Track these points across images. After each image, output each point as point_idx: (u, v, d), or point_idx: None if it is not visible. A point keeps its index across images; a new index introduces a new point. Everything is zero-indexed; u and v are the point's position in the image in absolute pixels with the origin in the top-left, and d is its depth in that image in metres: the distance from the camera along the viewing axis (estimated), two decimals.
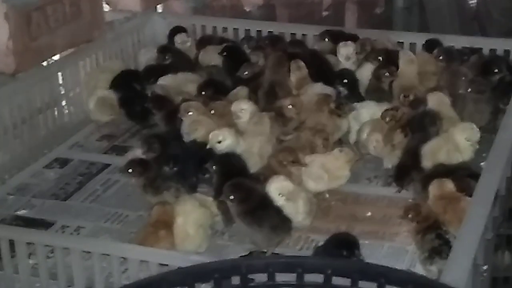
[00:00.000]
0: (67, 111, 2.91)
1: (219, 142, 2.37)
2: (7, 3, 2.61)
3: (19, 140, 2.67)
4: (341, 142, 2.58)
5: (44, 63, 2.89)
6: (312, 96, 2.63)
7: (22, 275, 2.03)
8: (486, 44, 3.03)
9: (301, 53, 2.89)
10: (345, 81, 2.76)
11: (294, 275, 1.42)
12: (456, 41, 3.04)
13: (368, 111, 2.61)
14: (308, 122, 2.53)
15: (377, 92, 2.74)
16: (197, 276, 1.41)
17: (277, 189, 2.16)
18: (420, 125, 2.45)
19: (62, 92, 2.89)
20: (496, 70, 2.73)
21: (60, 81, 2.87)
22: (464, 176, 2.22)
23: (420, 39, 3.07)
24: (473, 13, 4.87)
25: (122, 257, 1.94)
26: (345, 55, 2.88)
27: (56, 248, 1.97)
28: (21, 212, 2.41)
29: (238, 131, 2.46)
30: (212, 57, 3.02)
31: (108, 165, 2.66)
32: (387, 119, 2.51)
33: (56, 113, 2.84)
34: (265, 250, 2.13)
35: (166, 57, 3.01)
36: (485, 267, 2.16)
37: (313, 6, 4.28)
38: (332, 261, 1.52)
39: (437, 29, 4.52)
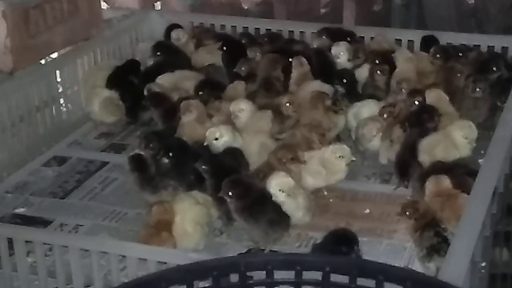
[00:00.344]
0: (65, 109, 2.91)
1: (216, 139, 2.38)
2: (4, 1, 2.61)
3: (17, 138, 2.67)
4: (340, 139, 2.58)
5: (42, 61, 2.89)
6: (307, 93, 2.63)
7: (21, 273, 2.03)
8: (484, 41, 3.03)
9: (305, 51, 2.90)
10: (344, 81, 2.78)
11: (293, 272, 1.42)
12: (454, 38, 3.04)
13: (369, 110, 2.61)
14: (303, 119, 2.53)
15: (371, 88, 2.76)
16: (196, 274, 1.41)
17: (277, 185, 2.16)
18: (418, 120, 2.46)
19: (60, 90, 2.88)
20: (495, 68, 2.73)
21: (58, 79, 2.87)
22: (462, 173, 2.23)
23: (417, 36, 3.07)
24: (471, 9, 4.85)
25: (121, 255, 1.94)
26: (335, 54, 2.89)
27: (55, 246, 1.97)
28: (19, 210, 2.41)
29: (235, 128, 2.47)
30: (205, 56, 3.02)
31: (107, 163, 2.66)
32: (385, 115, 2.52)
33: (54, 111, 2.84)
34: (264, 248, 2.14)
35: (158, 53, 3.01)
36: (483, 264, 2.16)
37: (311, 3, 4.28)
38: (331, 258, 1.53)
39: (435, 26, 4.50)
